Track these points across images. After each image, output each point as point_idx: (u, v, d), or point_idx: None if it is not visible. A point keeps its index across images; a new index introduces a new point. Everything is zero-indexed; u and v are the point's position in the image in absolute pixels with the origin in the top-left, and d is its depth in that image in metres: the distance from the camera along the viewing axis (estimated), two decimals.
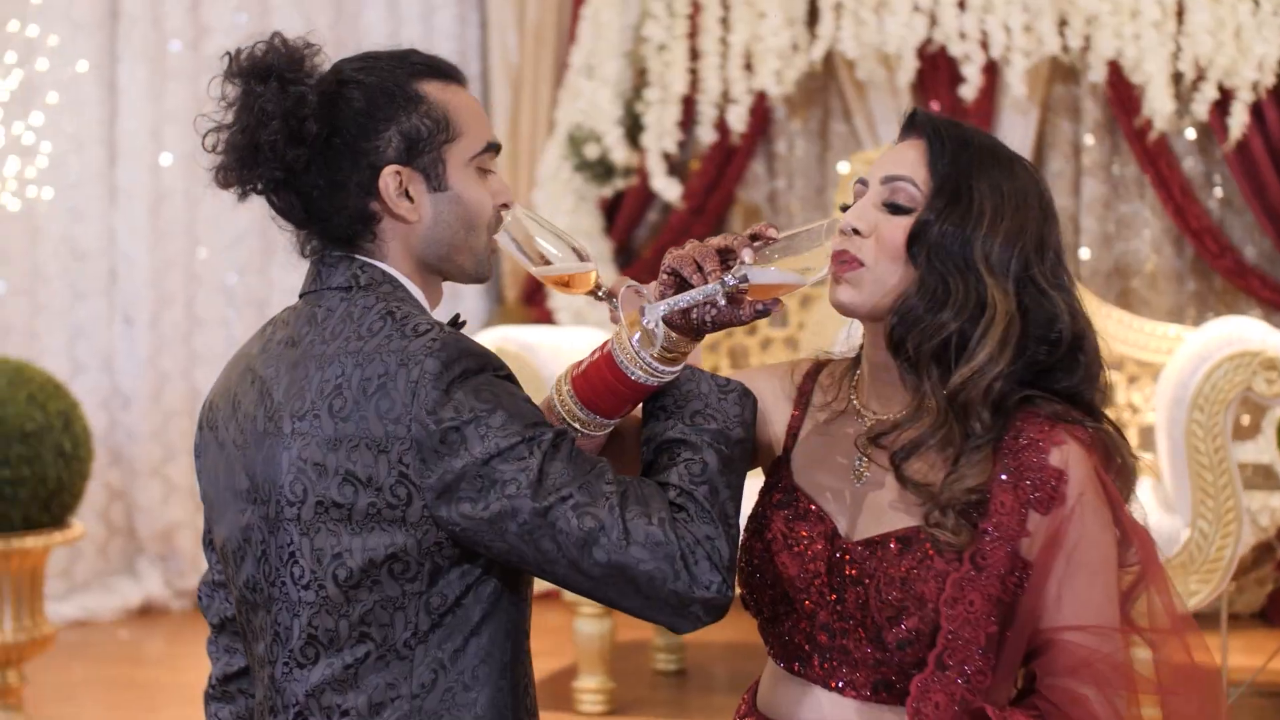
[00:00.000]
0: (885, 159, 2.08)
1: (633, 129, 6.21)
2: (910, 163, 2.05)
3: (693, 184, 6.28)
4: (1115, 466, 2.01)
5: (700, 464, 2.02)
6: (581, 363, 2.10)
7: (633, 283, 2.07)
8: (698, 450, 2.02)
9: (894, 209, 2.03)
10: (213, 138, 2.18)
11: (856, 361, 2.17)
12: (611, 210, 6.46)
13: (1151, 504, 4.49)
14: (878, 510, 2.06)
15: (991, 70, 5.85)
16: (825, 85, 6.42)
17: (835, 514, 2.09)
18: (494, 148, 2.26)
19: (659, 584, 1.95)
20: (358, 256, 2.21)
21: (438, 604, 2.08)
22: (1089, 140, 6.06)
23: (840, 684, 2.04)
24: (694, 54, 6.13)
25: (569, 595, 4.70)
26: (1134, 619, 2.03)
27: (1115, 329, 5.11)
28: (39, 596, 4.53)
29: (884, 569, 2.00)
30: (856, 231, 2.04)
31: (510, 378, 2.12)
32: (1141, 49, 5.53)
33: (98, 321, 6.65)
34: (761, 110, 6.23)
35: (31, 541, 4.37)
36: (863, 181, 2.09)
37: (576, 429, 2.09)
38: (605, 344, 2.06)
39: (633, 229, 6.50)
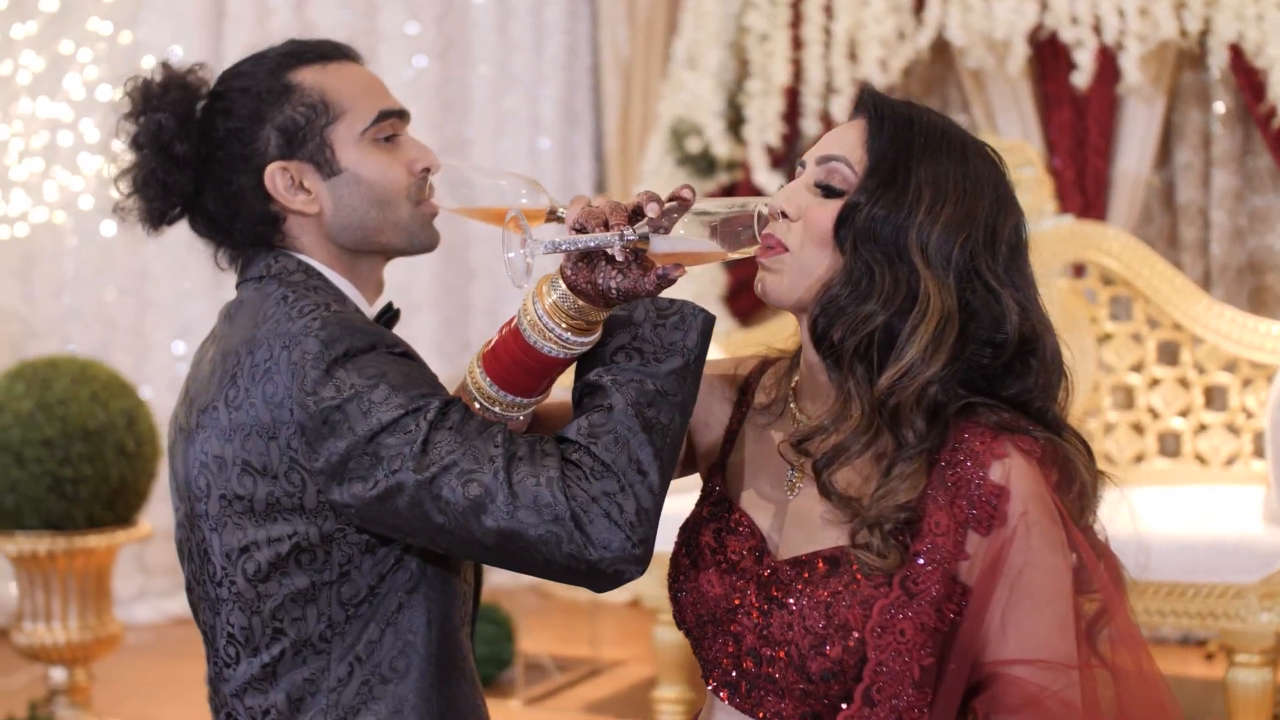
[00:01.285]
0: (825, 139, 1.97)
1: (735, 122, 6.21)
2: (849, 143, 1.93)
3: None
4: (1070, 481, 1.88)
5: (604, 410, 1.93)
6: (491, 340, 2.03)
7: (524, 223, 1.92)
8: (606, 395, 1.93)
9: (827, 191, 1.92)
10: (122, 180, 2.24)
11: (797, 359, 2.05)
12: None
13: (1257, 515, 4.43)
14: (810, 526, 1.94)
15: (1107, 56, 5.74)
16: (943, 75, 6.37)
17: (767, 529, 1.98)
18: (388, 115, 2.24)
19: (553, 548, 1.89)
20: (276, 248, 2.23)
21: (350, 594, 2.07)
22: (1218, 130, 5.91)
23: (767, 715, 1.93)
24: (796, 43, 6.12)
25: (649, 601, 4.79)
26: (1100, 651, 1.90)
27: (1229, 328, 5.01)
28: (105, 595, 4.64)
29: (809, 591, 1.88)
30: (784, 215, 1.93)
31: (409, 354, 2.08)
32: (1265, 31, 5.36)
33: (207, 321, 6.91)
34: None
35: (95, 540, 4.49)
36: (804, 163, 1.98)
37: (495, 412, 2.02)
38: (513, 318, 1.99)
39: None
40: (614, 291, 1.86)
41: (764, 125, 6.11)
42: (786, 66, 6.11)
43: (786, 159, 6.17)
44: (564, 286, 1.90)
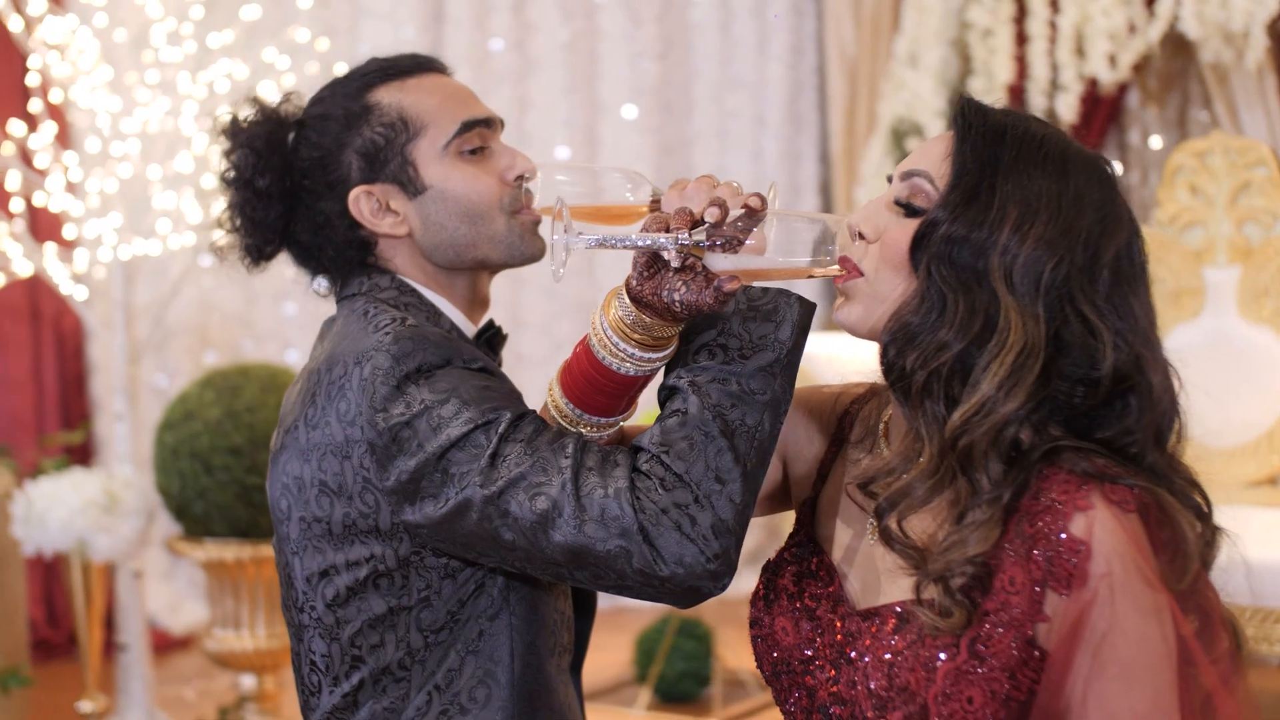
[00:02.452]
0: (914, 153, 1.85)
1: None
2: (934, 157, 1.80)
3: None
4: (1171, 539, 1.69)
5: (680, 415, 1.85)
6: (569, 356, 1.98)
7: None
8: (683, 398, 1.86)
9: (907, 210, 1.80)
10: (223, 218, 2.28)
11: None
12: None
13: None
14: (885, 575, 1.82)
15: None
16: (1183, 70, 6.21)
17: (848, 574, 1.87)
18: (473, 125, 2.22)
19: (623, 564, 1.83)
20: (372, 268, 2.23)
21: (429, 620, 2.05)
22: None
23: None
24: (1020, 39, 6.03)
25: None
26: None
27: None
28: None
29: (875, 648, 1.77)
30: (861, 235, 1.82)
31: (488, 370, 2.03)
32: None
33: None
34: (1112, 98, 6.09)
35: None
36: (891, 179, 1.87)
37: (577, 432, 1.96)
38: (587, 334, 1.93)
39: None
40: (678, 304, 1.80)
41: None
42: (1010, 63, 6.01)
43: None
44: (629, 300, 1.84)
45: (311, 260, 2.28)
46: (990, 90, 6.06)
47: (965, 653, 1.68)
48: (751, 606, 1.94)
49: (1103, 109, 6.11)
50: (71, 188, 5.00)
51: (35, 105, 5.06)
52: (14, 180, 4.95)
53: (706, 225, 1.74)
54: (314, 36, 6.29)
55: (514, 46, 6.94)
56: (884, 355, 1.77)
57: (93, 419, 6.30)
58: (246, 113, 2.27)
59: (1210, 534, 1.76)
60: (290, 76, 5.16)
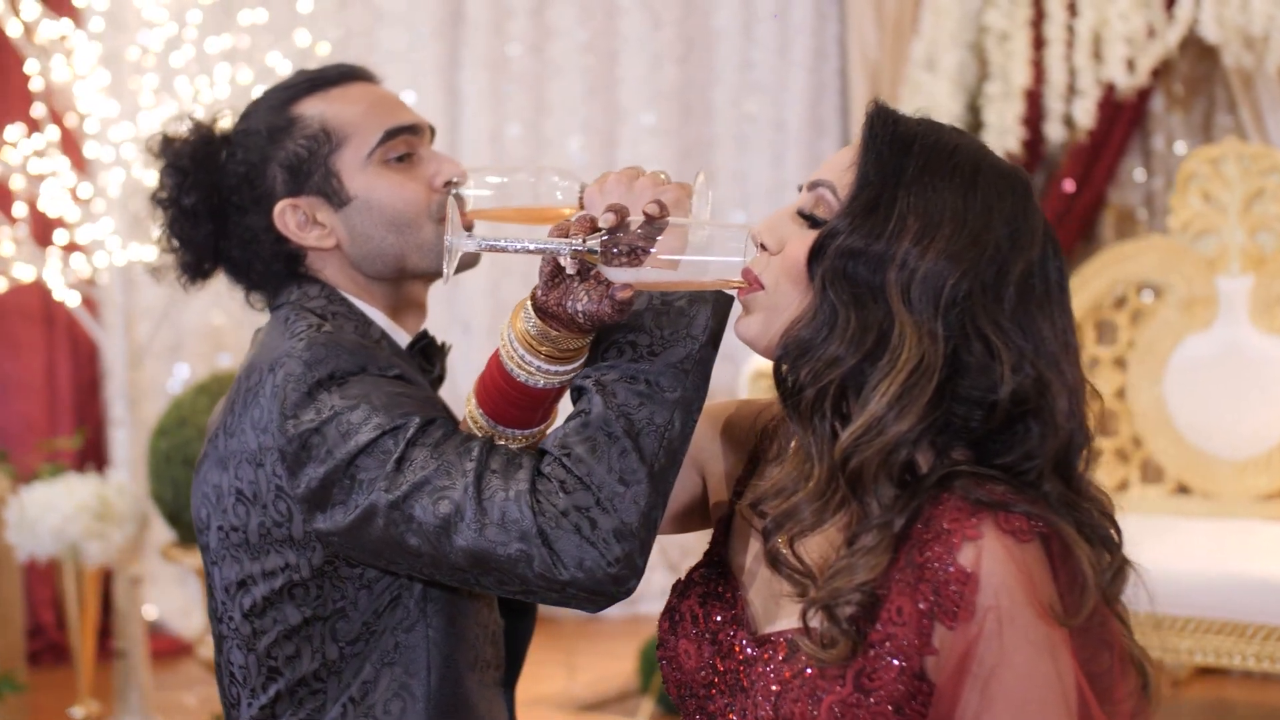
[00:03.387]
0: (824, 163, 1.80)
1: (974, 126, 6.06)
2: (839, 166, 1.75)
3: (1057, 184, 6.13)
4: (1070, 570, 1.62)
5: (582, 417, 1.82)
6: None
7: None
8: (589, 399, 1.82)
9: (810, 221, 1.75)
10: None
11: None
12: None
13: None
14: (786, 599, 1.75)
15: None
16: (1208, 74, 6.13)
17: (750, 598, 1.82)
18: (398, 132, 2.20)
19: (524, 568, 1.80)
20: (303, 277, 2.22)
21: (345, 632, 2.04)
22: None
23: None
24: (1038, 42, 5.97)
25: None
26: None
27: None
28: None
29: (766, 677, 1.72)
30: (764, 246, 1.77)
31: (405, 377, 2.02)
32: None
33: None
34: (1135, 103, 6.00)
35: None
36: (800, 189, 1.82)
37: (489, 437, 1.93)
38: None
39: None
40: (580, 315, 1.77)
41: (1003, 130, 5.97)
42: (1027, 67, 5.95)
43: (1026, 166, 5.99)
44: (534, 312, 1.82)
45: (243, 276, 2.28)
46: (1007, 95, 6.00)
47: (851, 685, 1.63)
48: (659, 626, 1.89)
49: (1125, 114, 6.04)
50: (72, 193, 5.03)
51: (39, 109, 5.10)
52: (17, 184, 4.98)
53: (603, 231, 1.71)
54: (333, 41, 6.35)
55: (532, 50, 6.94)
56: (776, 370, 1.73)
57: (105, 424, 6.34)
58: (179, 129, 2.26)
59: (1118, 565, 1.69)
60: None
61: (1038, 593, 1.59)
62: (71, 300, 5.03)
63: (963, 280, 1.65)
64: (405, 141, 2.22)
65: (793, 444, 1.78)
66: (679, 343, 1.83)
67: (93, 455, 6.22)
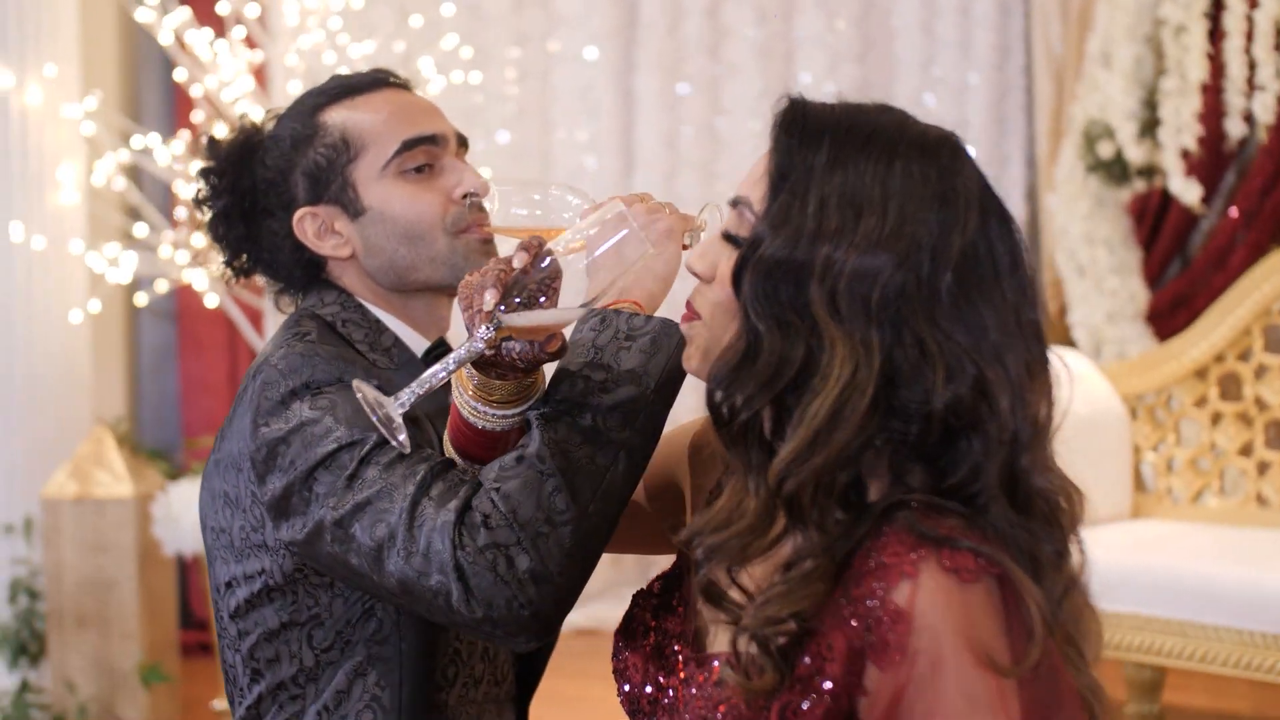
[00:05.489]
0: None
1: (1151, 123, 5.87)
2: (755, 177, 1.63)
3: (1247, 185, 5.89)
4: (1020, 614, 1.49)
5: (520, 450, 1.80)
6: None
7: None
8: (530, 433, 1.80)
9: (733, 242, 1.63)
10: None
11: None
12: (1158, 216, 6.21)
13: None
14: (722, 621, 1.66)
15: None
16: None
17: (701, 609, 1.72)
18: (416, 143, 2.18)
19: (443, 600, 1.79)
20: (325, 284, 2.24)
21: (320, 639, 2.05)
22: None
23: None
24: (1216, 35, 5.76)
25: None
26: None
27: None
28: None
29: (696, 701, 1.64)
30: (698, 275, 1.69)
31: (381, 389, 1.93)
32: None
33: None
34: None
35: None
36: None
37: (441, 457, 1.92)
38: None
39: (1187, 234, 6.16)
40: (517, 358, 1.74)
41: (1180, 126, 5.75)
42: (1203, 61, 5.72)
43: (1204, 164, 5.82)
44: (474, 371, 1.79)
45: (274, 277, 2.32)
46: (1183, 90, 5.78)
47: (775, 718, 1.53)
48: (614, 637, 1.83)
49: None
50: None
51: (198, 116, 5.28)
52: (181, 189, 5.16)
53: (493, 312, 1.68)
54: (512, 43, 6.45)
55: (707, 51, 6.93)
56: (708, 400, 1.61)
57: None
58: (225, 134, 2.32)
59: (1065, 585, 1.55)
60: (437, 84, 5.28)
61: (979, 639, 1.46)
62: (210, 301, 5.19)
63: (896, 274, 1.52)
64: (425, 152, 2.21)
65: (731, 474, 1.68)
66: (633, 382, 1.80)
67: None
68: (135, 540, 5.05)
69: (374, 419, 1.70)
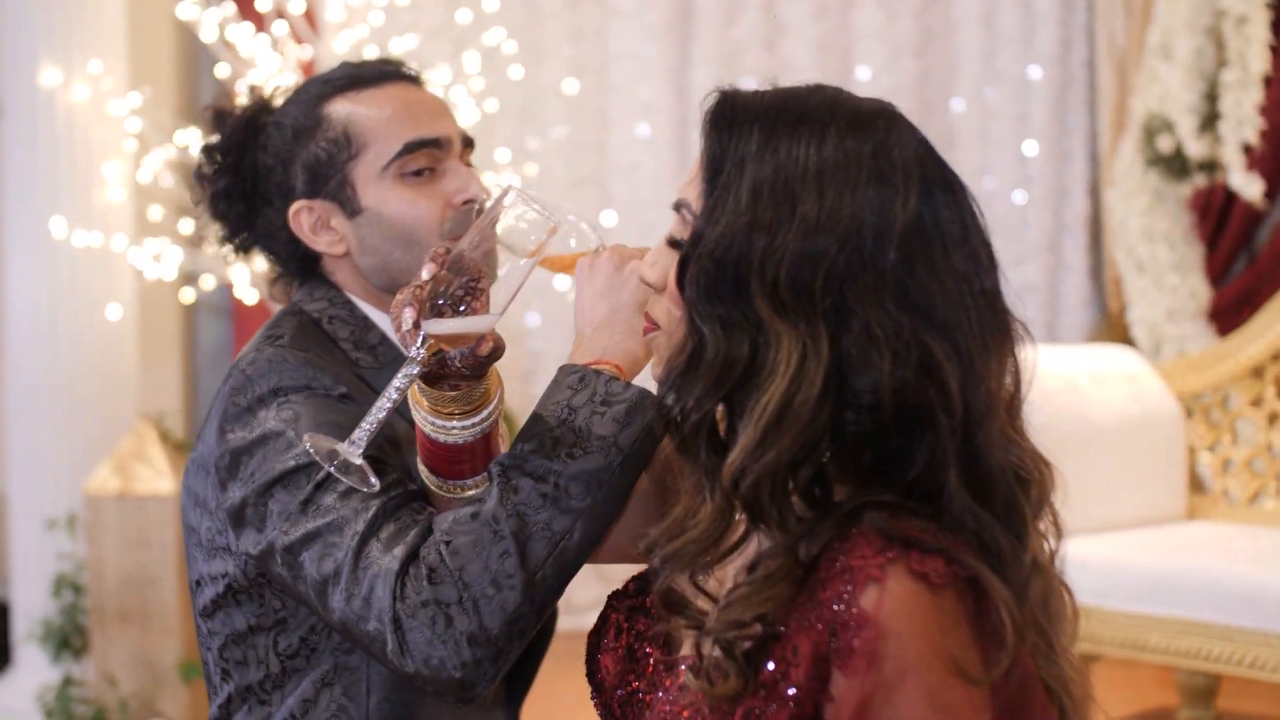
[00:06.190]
0: None
1: (1211, 117, 5.75)
2: (690, 178, 1.60)
3: None
4: (991, 619, 1.44)
5: (475, 506, 1.77)
6: None
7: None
8: (489, 488, 1.78)
9: (677, 245, 1.60)
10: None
11: None
12: (1222, 212, 6.11)
13: None
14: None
15: None
16: None
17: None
18: (419, 146, 2.13)
19: (379, 648, 1.77)
20: (320, 275, 2.21)
21: (285, 645, 2.03)
22: None
23: None
24: (1279, 26, 5.63)
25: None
26: None
27: None
28: None
29: (661, 704, 1.59)
30: (651, 285, 1.66)
31: (349, 396, 1.98)
32: None
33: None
34: None
35: None
36: None
37: (442, 496, 1.88)
38: None
39: (1252, 230, 5.98)
40: (460, 365, 1.72)
41: (1241, 120, 5.62)
42: (1265, 53, 5.59)
43: (1267, 159, 5.66)
44: (425, 386, 1.76)
45: (275, 262, 2.30)
46: (1244, 83, 5.65)
47: None
48: (587, 640, 1.79)
49: None
50: None
51: None
52: None
53: (417, 337, 1.68)
54: (564, 38, 6.42)
55: (764, 46, 6.87)
56: (657, 407, 1.58)
57: None
58: (224, 107, 2.29)
59: (1026, 574, 1.49)
60: (479, 80, 5.26)
61: (948, 646, 1.41)
62: (250, 298, 5.19)
63: (838, 257, 1.47)
64: (427, 155, 2.17)
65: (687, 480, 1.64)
66: (601, 451, 1.76)
67: None
68: (177, 536, 5.06)
69: (331, 470, 1.68)
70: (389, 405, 1.69)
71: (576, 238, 2.01)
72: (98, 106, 5.20)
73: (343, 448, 1.67)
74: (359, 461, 1.68)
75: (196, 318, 6.62)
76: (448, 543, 1.74)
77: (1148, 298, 5.85)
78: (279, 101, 2.26)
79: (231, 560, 2.02)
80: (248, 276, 5.08)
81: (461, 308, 1.67)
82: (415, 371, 1.68)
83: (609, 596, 1.79)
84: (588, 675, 1.76)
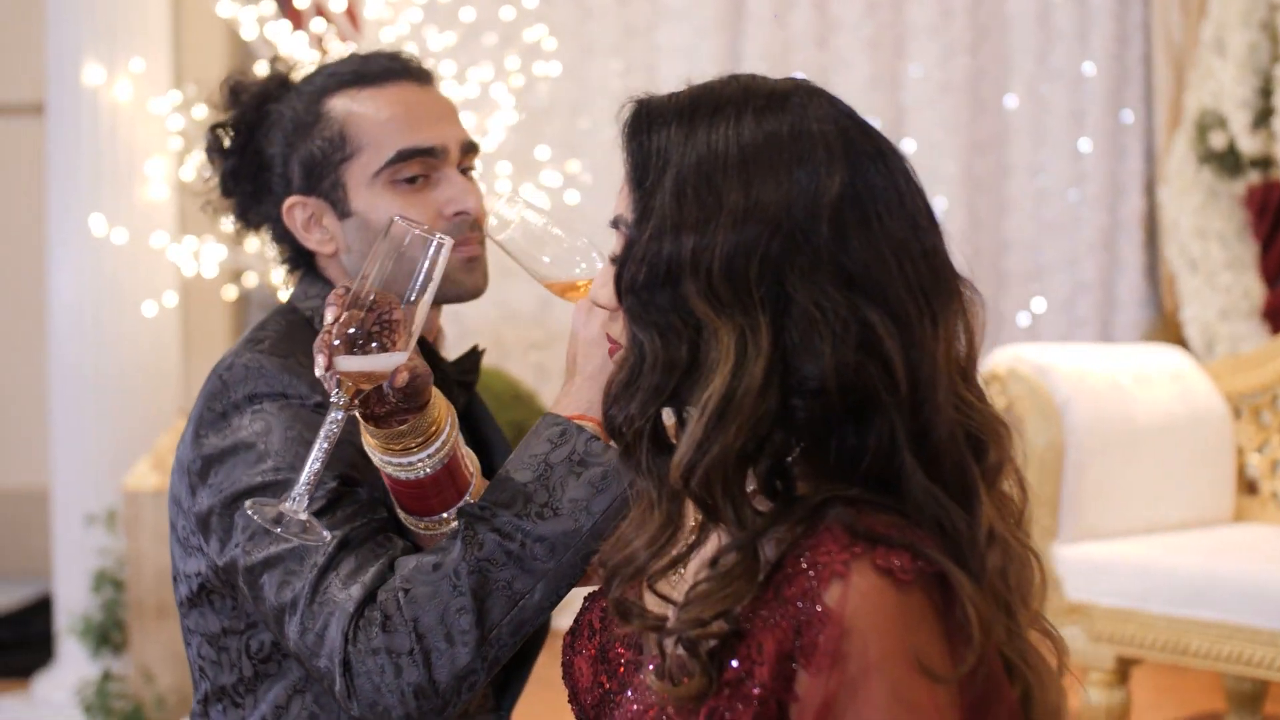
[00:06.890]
0: None
1: (1265, 113, 5.61)
2: (623, 192, 1.57)
3: None
4: (959, 620, 1.41)
5: (438, 556, 1.75)
6: None
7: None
8: (454, 540, 1.77)
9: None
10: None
11: None
12: (1279, 209, 5.97)
13: None
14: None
15: None
16: None
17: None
18: (412, 154, 2.10)
19: (329, 684, 1.76)
20: (317, 271, 2.20)
21: (257, 649, 2.03)
22: None
23: None
24: None
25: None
26: None
27: None
28: None
29: (628, 705, 1.58)
30: (605, 306, 1.65)
31: (324, 405, 1.93)
32: None
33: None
34: None
35: None
36: None
37: (420, 532, 1.87)
38: None
39: None
40: (394, 396, 1.71)
41: None
42: None
43: None
44: (370, 426, 1.75)
45: (278, 248, 2.29)
46: None
47: None
48: (563, 642, 1.76)
49: None
50: None
51: None
52: None
53: (336, 387, 1.68)
54: (614, 35, 6.40)
55: (816, 42, 6.82)
56: (604, 421, 1.56)
57: None
58: (237, 83, 2.26)
59: (981, 551, 1.45)
60: (520, 77, 5.24)
61: (914, 644, 1.38)
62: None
63: (771, 243, 1.44)
64: (420, 164, 2.14)
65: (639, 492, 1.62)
66: (571, 516, 1.75)
67: None
68: None
69: (281, 534, 1.68)
70: (321, 455, 1.67)
71: (585, 264, 1.97)
72: (140, 104, 5.22)
73: (286, 508, 1.66)
74: (305, 517, 1.67)
75: (248, 314, 6.63)
76: (406, 590, 1.73)
77: (1201, 297, 5.76)
78: (297, 78, 2.24)
79: (203, 560, 2.02)
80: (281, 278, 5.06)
81: (374, 344, 1.66)
82: (339, 416, 1.67)
83: (584, 598, 1.77)
84: (564, 678, 1.74)
